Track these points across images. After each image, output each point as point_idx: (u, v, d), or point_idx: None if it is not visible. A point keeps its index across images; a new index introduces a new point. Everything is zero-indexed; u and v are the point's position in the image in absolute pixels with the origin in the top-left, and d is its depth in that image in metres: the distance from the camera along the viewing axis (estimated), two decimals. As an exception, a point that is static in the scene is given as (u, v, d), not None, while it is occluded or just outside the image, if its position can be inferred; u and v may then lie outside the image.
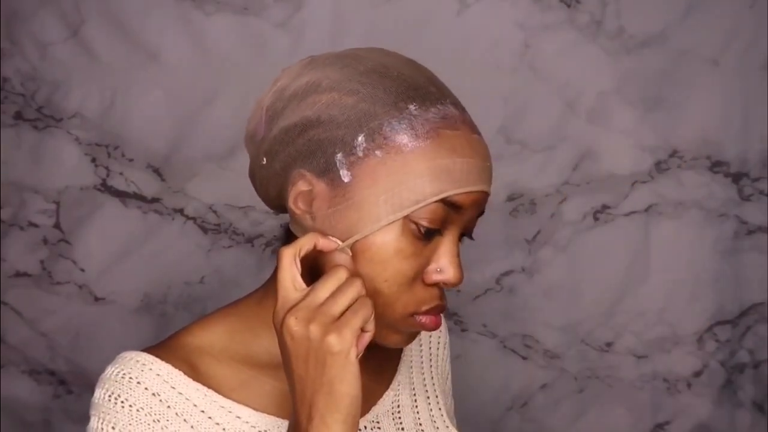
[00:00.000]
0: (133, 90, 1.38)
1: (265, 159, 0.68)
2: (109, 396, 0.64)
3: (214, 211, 1.42)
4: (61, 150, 1.40)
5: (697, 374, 1.46)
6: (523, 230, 1.43)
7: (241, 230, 1.43)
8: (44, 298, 1.43)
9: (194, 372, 0.67)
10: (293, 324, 0.58)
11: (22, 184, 1.41)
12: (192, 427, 0.65)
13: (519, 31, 1.37)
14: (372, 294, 0.62)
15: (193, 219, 1.42)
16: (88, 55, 1.37)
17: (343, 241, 0.63)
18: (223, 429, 0.66)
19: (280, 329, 0.59)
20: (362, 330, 0.59)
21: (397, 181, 0.61)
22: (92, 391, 0.66)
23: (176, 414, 0.65)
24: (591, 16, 1.37)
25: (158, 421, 0.64)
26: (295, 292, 0.60)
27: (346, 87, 0.63)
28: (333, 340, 0.57)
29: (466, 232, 0.67)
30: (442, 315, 0.68)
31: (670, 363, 1.45)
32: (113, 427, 0.63)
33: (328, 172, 0.63)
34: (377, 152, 0.62)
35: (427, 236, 0.63)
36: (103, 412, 0.64)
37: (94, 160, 1.41)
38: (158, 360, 0.66)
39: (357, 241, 0.62)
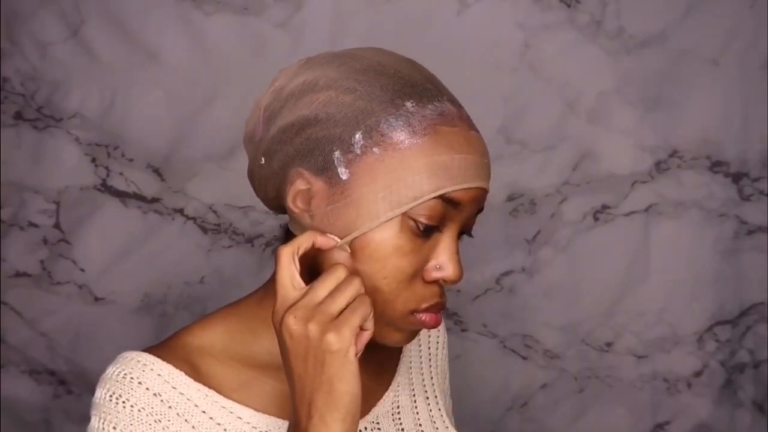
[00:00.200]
0: (133, 90, 1.38)
1: (263, 159, 0.68)
2: (111, 396, 0.64)
3: (214, 211, 1.42)
4: (61, 150, 1.40)
5: (697, 374, 1.46)
6: (523, 230, 1.43)
7: (241, 230, 1.43)
8: (44, 298, 1.43)
9: (195, 372, 0.67)
10: (292, 323, 0.58)
11: (22, 184, 1.41)
12: (193, 427, 0.65)
13: (519, 31, 1.37)
14: (371, 292, 0.62)
15: (193, 219, 1.42)
16: (88, 55, 1.37)
17: (341, 239, 0.63)
18: (225, 429, 0.66)
19: (279, 328, 0.59)
20: (361, 328, 0.59)
21: (395, 178, 0.61)
22: (92, 391, 0.66)
23: (177, 414, 0.65)
24: (591, 16, 1.37)
25: (159, 421, 0.64)
26: (294, 291, 0.60)
27: (343, 85, 0.63)
28: (332, 339, 0.57)
29: (465, 230, 0.67)
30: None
31: (670, 363, 1.45)
32: (114, 427, 0.63)
33: (326, 170, 0.63)
34: (375, 149, 0.62)
35: (425, 233, 0.63)
36: (104, 412, 0.64)
37: (94, 160, 1.41)
38: (159, 360, 0.66)
39: (356, 238, 0.62)
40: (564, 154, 1.41)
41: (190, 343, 0.69)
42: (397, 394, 0.78)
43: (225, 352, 0.69)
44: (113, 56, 1.37)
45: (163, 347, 0.68)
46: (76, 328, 1.44)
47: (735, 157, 1.40)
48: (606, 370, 1.46)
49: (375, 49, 0.69)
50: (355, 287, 0.59)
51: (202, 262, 1.43)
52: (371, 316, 0.60)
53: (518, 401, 1.48)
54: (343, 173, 0.62)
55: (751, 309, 1.45)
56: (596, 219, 1.43)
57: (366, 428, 0.73)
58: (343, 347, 0.57)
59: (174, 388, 0.65)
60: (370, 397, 0.74)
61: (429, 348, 0.85)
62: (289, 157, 0.65)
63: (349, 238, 0.62)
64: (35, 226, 1.42)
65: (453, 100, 0.66)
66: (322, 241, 0.63)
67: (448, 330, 0.91)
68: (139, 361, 0.65)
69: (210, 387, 0.67)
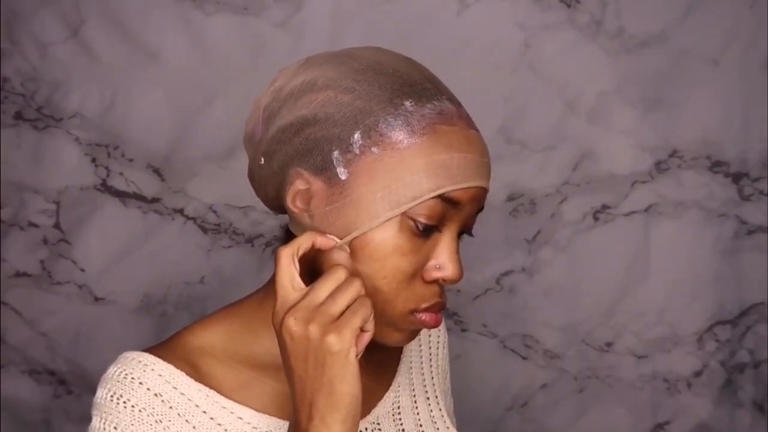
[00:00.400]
0: (133, 90, 1.38)
1: (263, 159, 0.68)
2: (111, 396, 0.64)
3: (214, 211, 1.42)
4: (61, 150, 1.40)
5: (697, 374, 1.46)
6: (523, 230, 1.43)
7: (241, 230, 1.43)
8: (44, 298, 1.43)
9: (196, 372, 0.67)
10: (292, 324, 0.58)
11: (22, 184, 1.41)
12: (194, 427, 0.65)
13: (519, 31, 1.37)
14: (371, 292, 0.62)
15: (193, 219, 1.42)
16: (88, 55, 1.37)
17: (341, 239, 0.63)
18: (225, 430, 0.66)
19: (279, 329, 0.59)
20: (362, 330, 0.59)
21: (394, 177, 0.61)
22: (92, 392, 0.66)
23: (178, 414, 0.65)
24: (591, 16, 1.37)
25: (160, 421, 0.64)
26: (294, 292, 0.60)
27: (342, 85, 0.63)
28: (332, 340, 0.57)
29: (465, 229, 0.66)
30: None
31: (670, 363, 1.45)
32: (115, 427, 0.63)
33: (325, 170, 0.63)
34: (374, 149, 0.62)
35: (425, 233, 0.63)
36: (105, 412, 0.64)
37: (94, 160, 1.41)
38: (160, 360, 0.66)
39: (355, 238, 0.62)
40: (564, 154, 1.41)
41: (190, 343, 0.69)
42: (397, 395, 0.78)
43: (225, 353, 0.69)
44: (113, 56, 1.37)
45: (163, 347, 0.68)
46: (76, 328, 1.44)
47: (735, 157, 1.40)
48: (606, 370, 1.46)
49: (374, 48, 0.68)
50: (355, 288, 0.59)
51: (202, 262, 1.43)
52: (372, 317, 0.59)
53: (518, 401, 1.48)
54: (342, 173, 0.62)
55: (751, 309, 1.45)
56: (596, 219, 1.43)
57: (367, 429, 0.73)
58: (344, 348, 0.57)
59: (175, 388, 0.65)
60: (370, 397, 0.75)
61: (429, 348, 0.85)
62: (288, 157, 0.65)
63: (348, 238, 0.62)
64: (35, 226, 1.42)
65: (452, 99, 0.66)
66: (322, 241, 0.63)
67: (448, 330, 0.91)
68: (140, 362, 0.65)
69: (211, 387, 0.67)
